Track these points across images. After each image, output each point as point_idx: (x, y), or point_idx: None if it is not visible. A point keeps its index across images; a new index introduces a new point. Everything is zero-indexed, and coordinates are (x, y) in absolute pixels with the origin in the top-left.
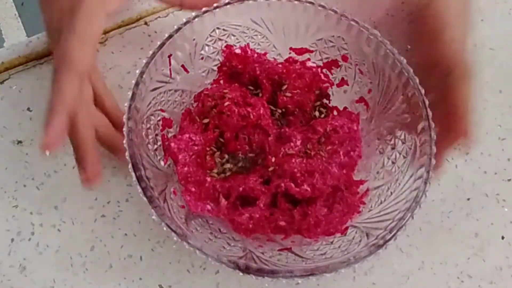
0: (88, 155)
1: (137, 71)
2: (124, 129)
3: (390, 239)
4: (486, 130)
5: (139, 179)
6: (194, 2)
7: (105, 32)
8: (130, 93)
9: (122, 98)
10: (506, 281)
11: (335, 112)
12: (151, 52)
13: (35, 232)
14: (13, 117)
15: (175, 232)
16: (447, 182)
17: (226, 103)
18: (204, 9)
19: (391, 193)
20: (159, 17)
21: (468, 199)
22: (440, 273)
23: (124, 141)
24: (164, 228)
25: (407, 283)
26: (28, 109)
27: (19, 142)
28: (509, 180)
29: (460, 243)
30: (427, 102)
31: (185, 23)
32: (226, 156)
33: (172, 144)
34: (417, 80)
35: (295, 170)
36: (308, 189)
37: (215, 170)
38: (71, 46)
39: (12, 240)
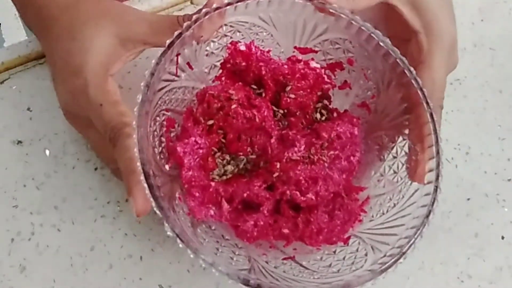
0: (137, 187)
1: (147, 72)
2: (134, 135)
3: (400, 258)
4: (486, 130)
5: (151, 188)
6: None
7: None
8: (139, 97)
9: (122, 98)
10: (506, 281)
11: (335, 114)
12: (160, 52)
13: (35, 232)
14: (13, 117)
15: (189, 247)
16: (447, 182)
17: (233, 106)
18: (214, 5)
19: (394, 204)
20: None
21: (468, 199)
22: (440, 273)
23: (136, 149)
24: (180, 245)
25: (407, 283)
26: (28, 109)
27: (19, 142)
28: (509, 180)
29: (460, 243)
30: (435, 116)
31: (195, 21)
32: (227, 157)
33: (178, 148)
34: (426, 92)
35: (300, 177)
36: (313, 197)
37: (216, 172)
38: (109, 116)
39: (12, 240)
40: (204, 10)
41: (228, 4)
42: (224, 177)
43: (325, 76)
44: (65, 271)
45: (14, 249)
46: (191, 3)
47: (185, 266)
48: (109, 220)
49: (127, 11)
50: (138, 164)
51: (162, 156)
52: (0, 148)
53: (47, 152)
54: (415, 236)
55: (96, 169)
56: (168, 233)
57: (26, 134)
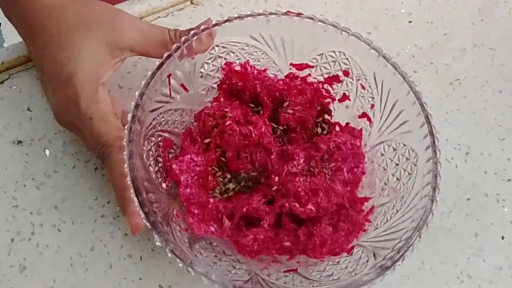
0: (130, 204)
1: (136, 93)
2: (125, 152)
3: (398, 260)
4: (486, 130)
5: (142, 203)
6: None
7: None
8: (130, 115)
9: (122, 98)
10: (506, 281)
11: (337, 128)
12: (150, 73)
13: (35, 232)
14: (13, 117)
15: (179, 258)
16: (447, 182)
17: (228, 122)
18: (202, 27)
19: (397, 210)
20: (159, 17)
21: (468, 199)
22: (440, 273)
23: (126, 165)
24: (169, 255)
25: (407, 283)
26: (28, 109)
27: (19, 142)
28: (509, 180)
29: (460, 243)
30: (431, 118)
31: (184, 42)
32: (228, 176)
33: (174, 166)
34: (421, 94)
35: (299, 189)
36: (313, 208)
37: (217, 190)
38: (99, 131)
39: (12, 240)
40: (192, 32)
41: (216, 24)
42: (225, 195)
43: (323, 90)
44: (65, 271)
45: (14, 249)
46: (191, 3)
47: (185, 266)
48: (109, 220)
49: (118, 15)
50: (128, 178)
51: (159, 175)
52: (0, 148)
53: (47, 152)
54: (414, 238)
55: (96, 169)
56: (157, 243)
57: (26, 134)
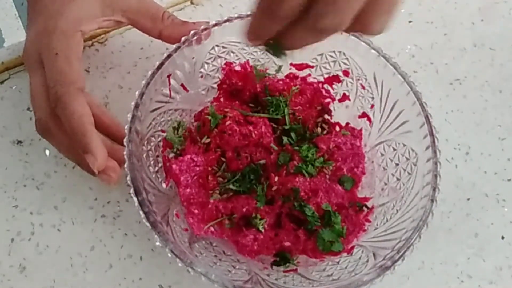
0: (93, 140)
1: (136, 93)
2: (124, 152)
3: (398, 260)
4: (486, 130)
5: (142, 203)
6: (171, 34)
7: (105, 32)
8: (129, 115)
9: (122, 98)
10: (506, 281)
11: (337, 128)
12: (150, 73)
13: (35, 232)
14: (13, 117)
15: (179, 258)
16: (447, 182)
17: (228, 122)
18: (202, 27)
19: (397, 210)
20: None
21: (468, 199)
22: (440, 273)
23: (125, 165)
24: (169, 254)
25: (407, 283)
26: (28, 109)
27: (19, 142)
28: (509, 180)
29: (460, 243)
30: (431, 118)
31: (184, 42)
32: (228, 175)
33: (174, 166)
34: (421, 95)
35: (299, 189)
36: (313, 208)
37: (217, 190)
38: (60, 67)
39: (12, 240)
40: (192, 32)
41: (216, 24)
42: (225, 195)
43: (323, 90)
44: (65, 271)
45: (14, 249)
46: (191, 3)
47: (185, 266)
48: (109, 220)
49: None
50: (128, 178)
51: (159, 175)
52: (0, 148)
53: (47, 152)
54: (414, 238)
55: None
56: (157, 243)
57: (26, 134)
